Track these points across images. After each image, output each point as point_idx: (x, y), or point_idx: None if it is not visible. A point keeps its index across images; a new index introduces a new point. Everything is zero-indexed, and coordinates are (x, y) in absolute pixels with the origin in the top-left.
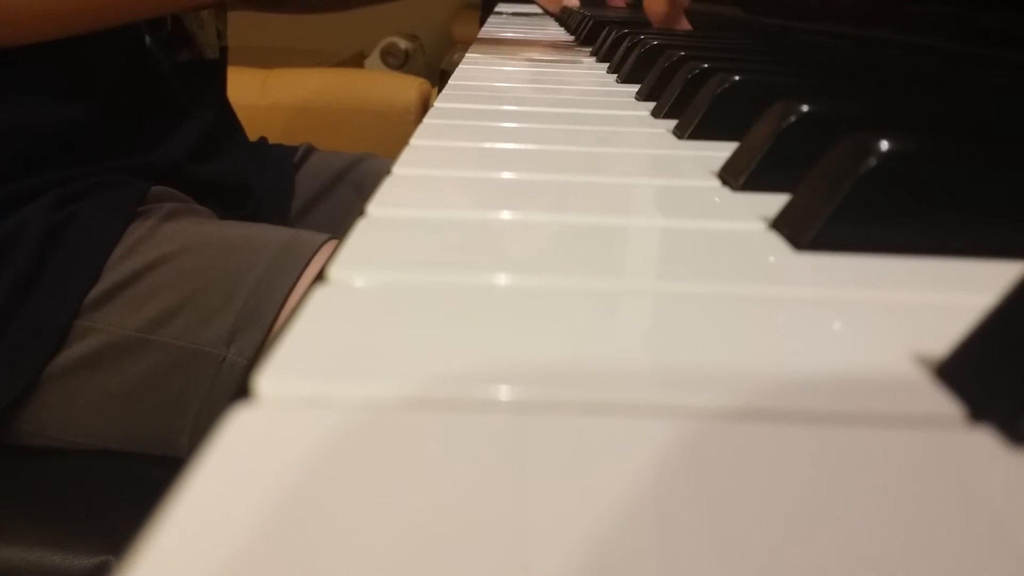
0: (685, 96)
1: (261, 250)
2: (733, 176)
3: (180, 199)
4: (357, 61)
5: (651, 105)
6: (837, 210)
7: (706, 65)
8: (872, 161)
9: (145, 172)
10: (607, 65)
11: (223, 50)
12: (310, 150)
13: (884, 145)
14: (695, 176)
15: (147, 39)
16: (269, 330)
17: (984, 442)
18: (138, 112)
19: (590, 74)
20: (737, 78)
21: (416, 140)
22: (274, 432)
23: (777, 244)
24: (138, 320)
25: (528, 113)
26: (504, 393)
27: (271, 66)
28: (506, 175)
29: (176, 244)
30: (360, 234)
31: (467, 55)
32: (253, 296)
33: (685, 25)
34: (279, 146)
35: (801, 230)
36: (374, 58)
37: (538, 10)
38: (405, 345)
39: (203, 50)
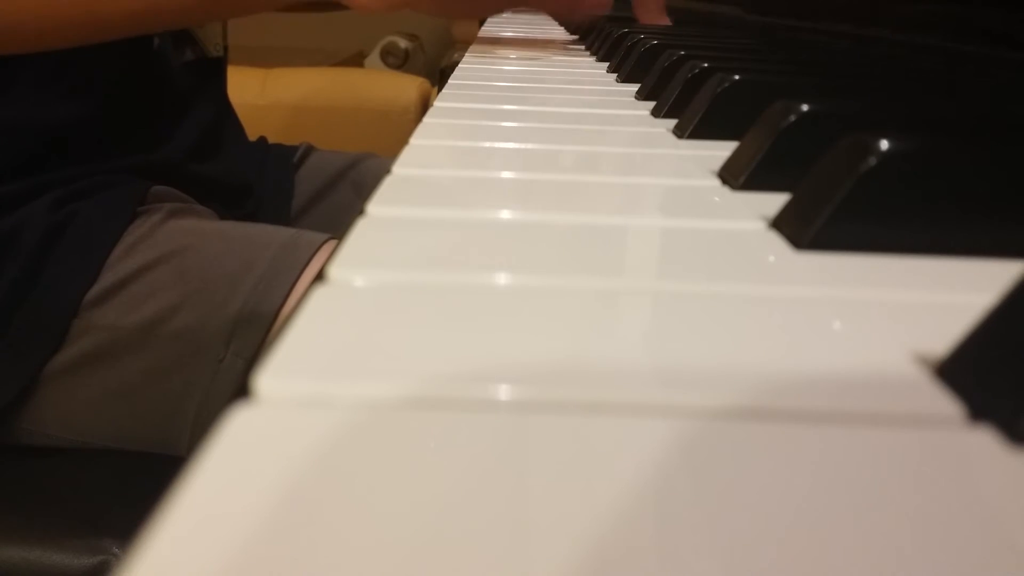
0: (685, 95)
1: (261, 250)
2: (733, 175)
3: (181, 199)
4: (357, 60)
5: (651, 104)
6: (837, 210)
7: (706, 64)
8: (872, 160)
9: (146, 171)
10: (607, 64)
11: (224, 49)
12: (310, 149)
13: (884, 144)
14: (695, 175)
15: (155, 40)
16: (268, 330)
17: (984, 442)
18: (141, 111)
19: (590, 73)
20: (737, 77)
21: (416, 139)
22: (274, 431)
23: (777, 243)
24: (137, 319)
25: (528, 112)
26: (504, 393)
27: (271, 65)
28: (506, 174)
29: (176, 243)
30: (360, 234)
31: (467, 54)
32: (252, 296)
33: (663, 20)
34: (279, 145)
35: (801, 229)
36: (374, 57)
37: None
38: (405, 344)
39: (206, 48)
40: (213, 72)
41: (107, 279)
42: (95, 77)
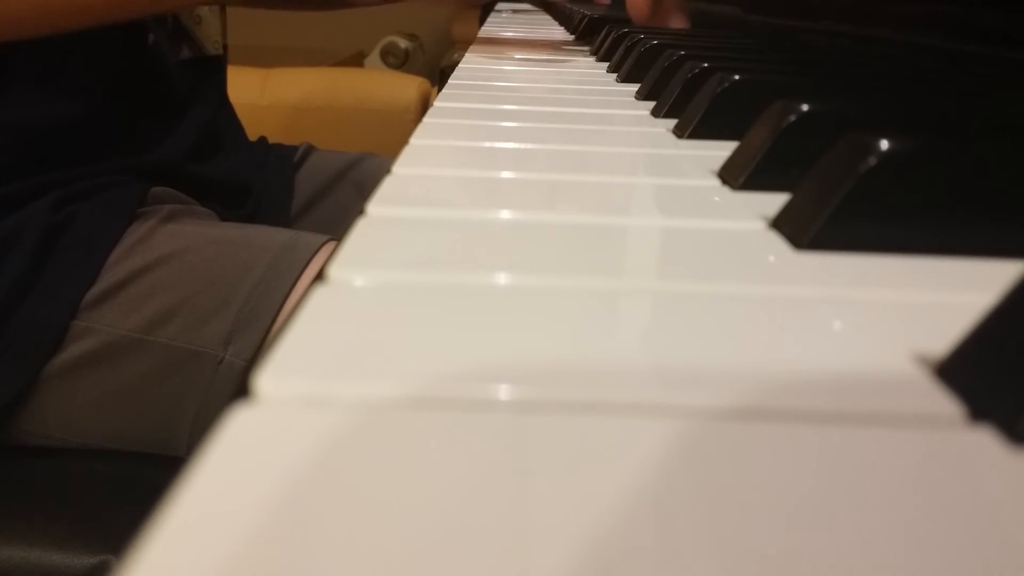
0: (685, 95)
1: (260, 251)
2: (733, 175)
3: (180, 200)
4: (357, 60)
5: (651, 104)
6: (837, 209)
7: (706, 64)
8: (872, 160)
9: (145, 170)
10: (607, 64)
11: (224, 48)
12: (310, 149)
13: (884, 144)
14: (695, 175)
15: (150, 36)
16: (267, 331)
17: (984, 442)
18: (139, 110)
19: (590, 73)
20: (737, 77)
21: (416, 139)
22: (274, 431)
23: (777, 243)
24: (136, 320)
25: (528, 112)
26: (504, 393)
27: (271, 66)
28: (506, 174)
29: (175, 245)
30: (360, 233)
31: (467, 54)
32: (251, 297)
33: (680, 23)
34: (279, 145)
35: (801, 229)
36: (374, 57)
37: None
38: (405, 344)
39: (204, 47)
40: (212, 71)
41: (106, 281)
42: (91, 76)
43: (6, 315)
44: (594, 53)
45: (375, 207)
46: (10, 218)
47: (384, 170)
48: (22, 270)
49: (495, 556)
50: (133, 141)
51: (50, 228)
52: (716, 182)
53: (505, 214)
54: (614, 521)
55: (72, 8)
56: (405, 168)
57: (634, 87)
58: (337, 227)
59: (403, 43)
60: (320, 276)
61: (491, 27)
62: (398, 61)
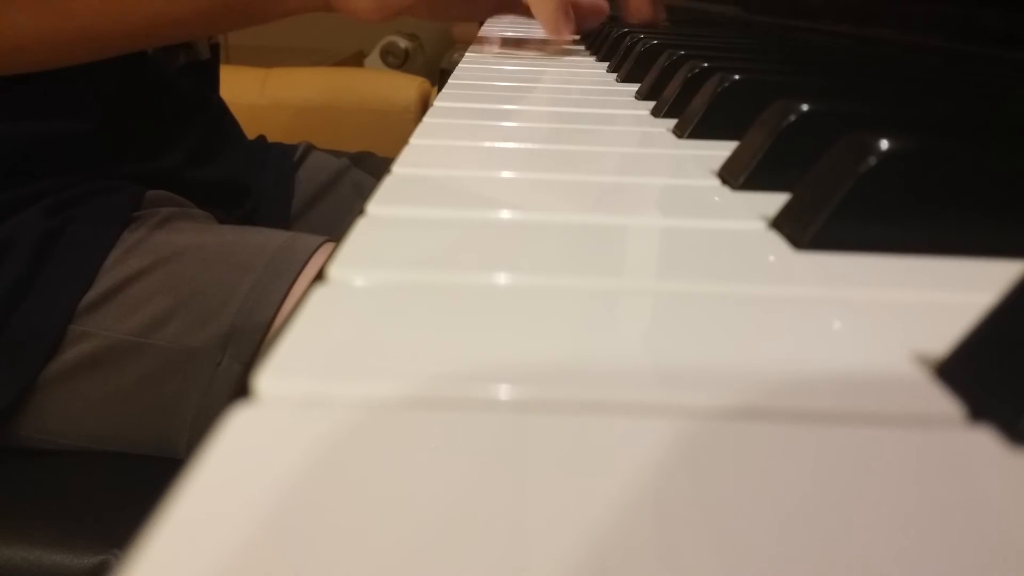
0: (685, 95)
1: (257, 254)
2: (733, 175)
3: (177, 203)
4: (357, 60)
5: (651, 104)
6: (837, 209)
7: (706, 64)
8: (872, 160)
9: (144, 178)
10: (607, 64)
11: (214, 48)
12: (309, 149)
13: (884, 144)
14: (695, 175)
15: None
16: (264, 334)
17: (984, 442)
18: (138, 121)
19: (590, 73)
20: (737, 77)
21: (416, 139)
22: (274, 431)
23: (777, 243)
24: (133, 324)
25: (528, 112)
26: (504, 392)
27: (271, 65)
28: (506, 174)
29: (171, 248)
30: (360, 233)
31: (467, 54)
32: (249, 300)
33: (656, 14)
34: (278, 145)
35: (801, 229)
36: (374, 57)
37: None
38: (405, 344)
39: (199, 52)
40: (205, 74)
41: (102, 284)
42: (92, 89)
43: (2, 320)
44: (594, 53)
45: (375, 207)
46: (6, 223)
47: (384, 170)
48: (18, 275)
49: (495, 556)
50: (132, 151)
51: (45, 233)
52: (716, 182)
53: (505, 214)
54: (614, 521)
55: (88, 44)
56: (405, 168)
57: (634, 87)
58: (337, 227)
59: (403, 43)
60: (320, 276)
61: (491, 27)
62: (398, 61)
